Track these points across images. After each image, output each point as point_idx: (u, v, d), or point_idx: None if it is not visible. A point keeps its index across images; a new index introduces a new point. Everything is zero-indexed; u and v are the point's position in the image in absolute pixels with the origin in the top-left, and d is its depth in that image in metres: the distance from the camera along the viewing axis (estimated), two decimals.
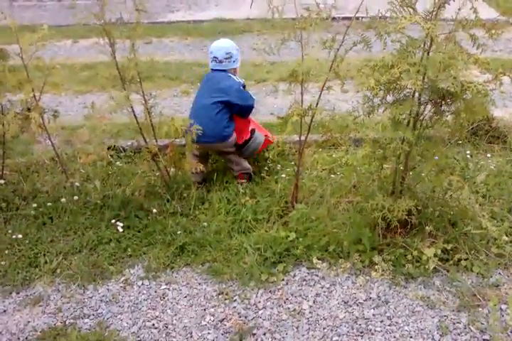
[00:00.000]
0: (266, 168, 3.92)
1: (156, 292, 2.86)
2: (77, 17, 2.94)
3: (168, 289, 2.87)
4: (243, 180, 3.70)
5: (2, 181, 3.67)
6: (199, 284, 2.89)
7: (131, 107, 3.16)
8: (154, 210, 3.37)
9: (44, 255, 3.14)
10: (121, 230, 3.25)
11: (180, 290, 2.86)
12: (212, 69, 3.69)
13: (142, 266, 3.04)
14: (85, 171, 3.85)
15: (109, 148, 4.16)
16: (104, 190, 3.59)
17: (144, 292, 2.87)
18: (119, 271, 3.02)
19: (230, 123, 3.56)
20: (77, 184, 3.60)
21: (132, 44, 3.05)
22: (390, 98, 2.60)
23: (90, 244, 3.20)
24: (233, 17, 8.41)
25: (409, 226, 3.00)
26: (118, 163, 4.05)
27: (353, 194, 3.40)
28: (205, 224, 3.30)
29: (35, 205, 3.48)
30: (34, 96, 3.27)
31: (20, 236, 3.26)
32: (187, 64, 7.00)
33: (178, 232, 3.20)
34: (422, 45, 2.38)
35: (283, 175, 3.74)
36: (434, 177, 2.84)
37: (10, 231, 3.32)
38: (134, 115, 3.21)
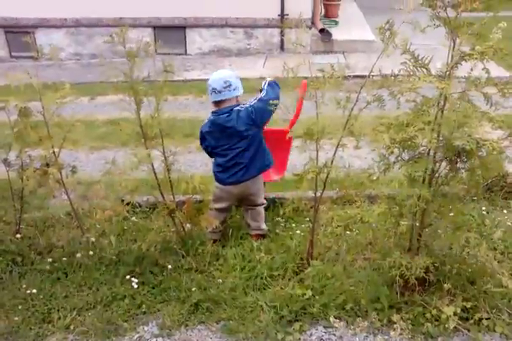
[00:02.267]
0: (281, 224, 3.93)
1: None
2: (105, 74, 3.09)
3: None
4: (257, 240, 3.70)
5: (18, 235, 3.70)
6: None
7: (152, 164, 3.23)
8: (169, 266, 3.36)
9: (58, 310, 3.12)
10: (135, 286, 3.23)
11: None
12: (213, 103, 3.56)
13: (156, 323, 3.00)
14: (101, 226, 3.88)
15: (126, 204, 4.21)
16: (120, 245, 3.61)
17: None
18: (133, 327, 2.98)
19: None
20: (92, 239, 3.62)
21: (157, 103, 3.16)
22: (405, 155, 2.66)
23: (104, 300, 3.17)
24: (247, 76, 8.70)
25: (427, 284, 2.96)
26: (134, 218, 4.09)
27: (369, 251, 3.38)
28: (220, 280, 3.28)
29: (50, 260, 3.49)
30: (54, 152, 3.36)
31: (34, 291, 3.25)
32: (201, 121, 7.18)
33: (193, 289, 3.18)
34: (436, 104, 2.45)
35: (298, 232, 3.74)
36: (450, 234, 2.84)
37: (24, 286, 3.31)
38: (154, 171, 3.28)
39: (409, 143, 2.42)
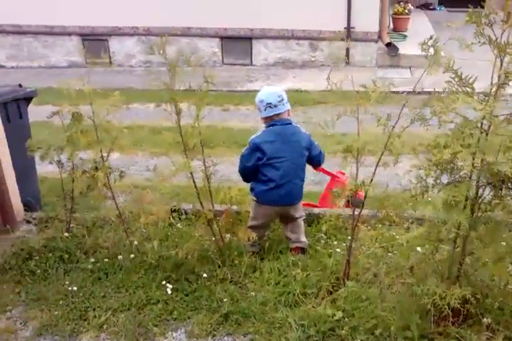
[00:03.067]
0: (322, 241, 3.88)
1: None
2: (151, 83, 3.19)
3: None
4: (297, 254, 3.68)
5: (66, 234, 3.87)
6: None
7: (191, 173, 3.29)
8: (204, 275, 3.40)
9: (94, 309, 3.23)
10: (169, 292, 3.29)
11: None
12: (265, 118, 3.65)
13: (185, 331, 3.04)
14: (146, 231, 3.98)
15: (172, 211, 4.31)
16: (161, 250, 3.68)
17: None
18: (163, 333, 3.04)
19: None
20: (135, 243, 3.73)
21: (197, 114, 3.23)
22: (445, 178, 2.56)
23: (139, 303, 3.25)
24: (309, 88, 8.70)
25: (465, 316, 2.82)
26: (179, 225, 4.18)
27: (409, 275, 3.27)
28: (253, 293, 3.27)
29: (93, 260, 3.63)
30: (102, 156, 3.50)
31: (75, 288, 3.39)
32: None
33: (225, 299, 3.20)
34: (480, 126, 2.35)
35: (338, 250, 3.68)
36: (492, 264, 2.69)
37: (67, 283, 3.46)
38: (193, 181, 3.34)
39: (448, 165, 2.33)
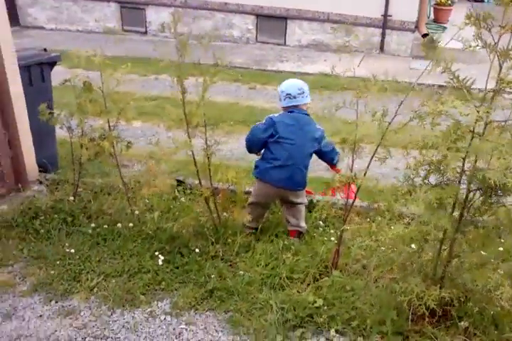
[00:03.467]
0: (320, 228, 3.91)
1: (174, 329, 2.93)
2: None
3: (186, 329, 2.93)
4: (294, 238, 3.73)
5: (71, 198, 3.99)
6: (216, 331, 2.92)
7: (192, 151, 3.34)
8: (197, 250, 3.48)
9: (88, 272, 3.35)
10: (161, 263, 3.39)
11: (197, 333, 2.91)
12: (284, 108, 3.77)
13: (170, 302, 3.14)
14: (149, 201, 4.08)
15: (178, 184, 4.40)
16: (160, 222, 3.78)
17: (164, 327, 2.95)
18: (148, 301, 3.14)
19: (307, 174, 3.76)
20: (136, 212, 3.83)
21: (203, 93, 3.25)
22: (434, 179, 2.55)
23: (131, 271, 3.36)
24: (340, 73, 8.60)
25: (444, 318, 2.83)
26: (182, 199, 4.26)
27: (397, 271, 3.28)
28: (242, 272, 3.34)
29: (93, 225, 3.75)
30: (109, 126, 3.57)
31: (73, 250, 3.52)
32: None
33: (212, 276, 3.28)
34: (472, 130, 2.32)
35: (332, 238, 3.70)
36: (476, 269, 2.68)
37: (67, 244, 3.60)
38: (194, 159, 3.38)
39: (436, 167, 2.31)
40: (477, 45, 2.50)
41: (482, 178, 2.23)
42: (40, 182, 4.43)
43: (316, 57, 9.47)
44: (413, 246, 3.15)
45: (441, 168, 2.32)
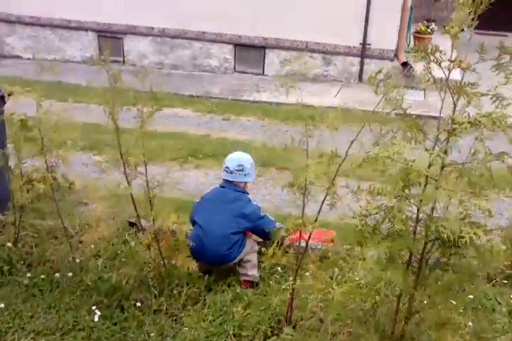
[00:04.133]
0: (277, 275, 3.63)
1: None
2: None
3: None
4: (246, 287, 3.45)
5: (9, 244, 3.70)
6: None
7: (131, 195, 3.09)
8: (138, 304, 3.18)
9: (16, 331, 3.04)
10: (97, 319, 3.08)
11: None
12: (223, 180, 3.63)
13: None
14: (96, 247, 3.80)
15: (131, 225, 4.12)
16: (103, 270, 3.49)
17: None
18: None
19: (242, 246, 3.49)
20: (78, 260, 3.54)
21: (140, 131, 3.01)
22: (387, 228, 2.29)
23: (65, 328, 3.06)
24: (316, 103, 8.42)
25: None
26: (133, 242, 3.96)
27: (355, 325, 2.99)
28: (186, 329, 3.04)
29: (29, 275, 3.45)
30: (47, 166, 3.32)
31: (2, 305, 3.21)
32: (252, 146, 7.02)
33: (152, 334, 2.97)
34: (425, 176, 2.08)
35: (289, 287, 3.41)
36: (435, 331, 2.40)
37: None
38: (133, 202, 3.12)
39: (385, 215, 2.06)
40: (428, 80, 2.31)
41: (436, 230, 1.99)
42: None
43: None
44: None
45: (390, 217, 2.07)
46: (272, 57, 9.56)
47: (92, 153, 6.84)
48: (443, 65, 2.24)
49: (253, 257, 3.52)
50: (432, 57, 2.08)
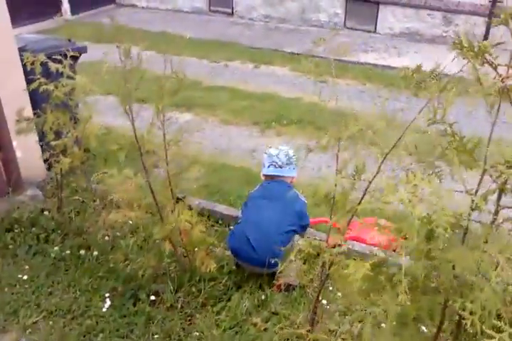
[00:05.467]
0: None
1: None
2: None
3: None
4: (278, 292, 3.04)
5: (47, 213, 3.60)
6: None
7: (149, 183, 2.74)
8: (153, 297, 2.92)
9: (29, 307, 2.95)
10: (105, 309, 2.88)
11: None
12: (266, 176, 3.24)
13: None
14: (134, 223, 3.58)
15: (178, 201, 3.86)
16: (132, 252, 3.27)
17: None
18: None
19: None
20: (106, 238, 3.35)
21: (153, 120, 2.61)
22: None
23: (76, 312, 2.91)
24: (425, 67, 7.43)
25: None
26: None
27: None
28: (196, 333, 2.74)
29: (56, 248, 3.34)
30: (77, 139, 3.08)
31: (26, 277, 3.15)
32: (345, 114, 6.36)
33: (156, 336, 2.71)
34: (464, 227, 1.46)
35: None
36: None
37: (27, 267, 3.23)
38: (152, 192, 2.78)
39: None
40: None
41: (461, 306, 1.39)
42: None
43: (405, 49, 8.29)
44: None
45: None
46: (386, 14, 8.55)
47: (178, 110, 6.67)
48: None
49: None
50: None
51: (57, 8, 10.33)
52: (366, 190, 2.00)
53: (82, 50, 4.63)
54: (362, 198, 1.97)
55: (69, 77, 2.94)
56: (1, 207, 3.78)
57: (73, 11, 10.49)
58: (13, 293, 3.05)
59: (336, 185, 2.07)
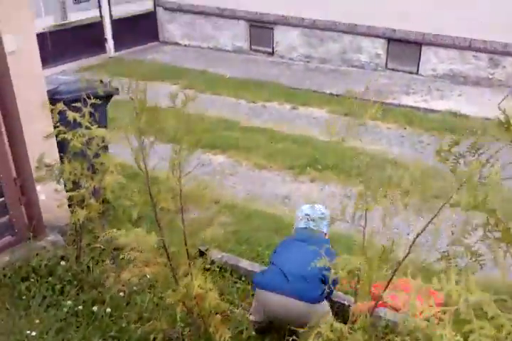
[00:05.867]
0: None
1: None
2: None
3: None
4: None
5: (63, 262, 3.48)
6: None
7: (164, 242, 2.57)
8: None
9: None
10: None
11: None
12: (298, 230, 3.20)
13: None
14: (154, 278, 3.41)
15: (201, 254, 3.67)
16: (147, 310, 3.08)
17: None
18: None
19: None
20: (121, 294, 3.19)
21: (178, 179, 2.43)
22: None
23: None
24: (471, 112, 7.12)
25: None
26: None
27: None
28: None
29: (69, 303, 3.19)
30: (94, 189, 2.97)
31: (34, 333, 2.99)
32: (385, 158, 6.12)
33: None
34: None
35: None
36: None
37: (37, 322, 3.09)
38: (168, 256, 2.59)
39: None
40: None
41: None
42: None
43: (449, 91, 8.01)
44: None
45: None
46: (429, 55, 8.34)
47: (212, 152, 6.58)
48: None
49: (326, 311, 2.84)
50: None
51: (101, 46, 10.64)
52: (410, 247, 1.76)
53: (114, 92, 4.62)
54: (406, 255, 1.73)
55: (87, 128, 2.84)
56: (20, 253, 3.69)
57: (117, 48, 10.76)
58: None
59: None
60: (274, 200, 5.50)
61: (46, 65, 10.26)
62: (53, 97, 4.02)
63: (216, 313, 2.64)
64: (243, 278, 3.52)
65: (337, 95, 8.32)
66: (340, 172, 5.94)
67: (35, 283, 3.40)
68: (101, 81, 4.62)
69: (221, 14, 10.64)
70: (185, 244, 2.58)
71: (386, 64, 8.94)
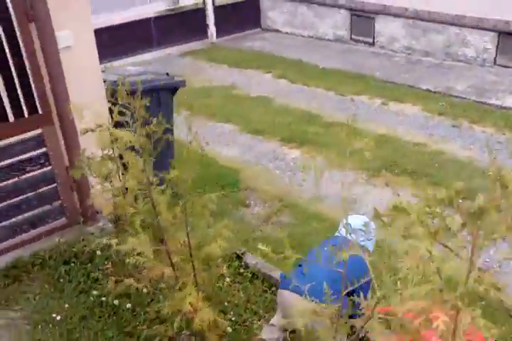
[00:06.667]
0: None
1: None
2: None
3: None
4: None
5: (98, 253, 3.55)
6: None
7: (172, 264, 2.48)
8: None
9: None
10: None
11: None
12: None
13: None
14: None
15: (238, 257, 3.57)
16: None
17: None
18: None
19: None
20: (144, 290, 3.18)
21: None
22: None
23: None
24: None
25: None
26: (227, 279, 3.41)
27: None
28: None
29: (95, 292, 3.25)
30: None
31: (59, 318, 3.09)
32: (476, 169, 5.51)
33: None
34: None
35: None
36: None
37: (66, 306, 3.20)
38: (173, 267, 2.51)
39: None
40: None
41: None
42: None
43: None
44: None
45: None
46: None
47: (288, 145, 6.41)
48: None
49: None
50: None
51: (204, 31, 10.83)
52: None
53: (179, 84, 4.62)
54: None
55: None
56: (69, 236, 3.85)
57: (218, 34, 10.87)
58: (42, 332, 3.02)
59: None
60: (339, 203, 5.21)
61: (150, 48, 10.63)
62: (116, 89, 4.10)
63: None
64: (273, 288, 3.36)
65: (435, 92, 7.70)
66: (420, 178, 5.48)
67: (75, 268, 3.52)
68: (167, 73, 4.64)
69: (323, 2, 10.28)
70: (191, 255, 2.48)
71: (495, 59, 8.10)
